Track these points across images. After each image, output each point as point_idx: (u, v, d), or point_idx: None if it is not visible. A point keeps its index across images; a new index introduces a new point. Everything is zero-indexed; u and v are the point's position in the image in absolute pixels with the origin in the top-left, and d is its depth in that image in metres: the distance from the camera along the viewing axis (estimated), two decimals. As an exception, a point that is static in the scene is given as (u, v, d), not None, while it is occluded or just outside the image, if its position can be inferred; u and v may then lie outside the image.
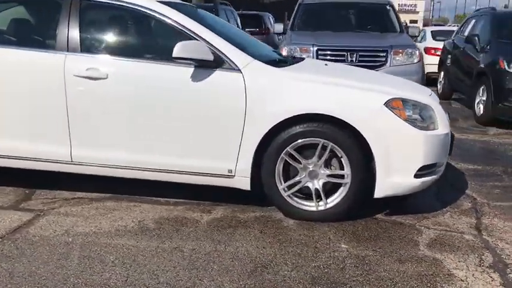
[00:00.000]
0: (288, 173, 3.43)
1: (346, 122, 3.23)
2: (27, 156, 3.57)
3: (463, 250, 3.10)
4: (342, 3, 8.27)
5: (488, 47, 7.63)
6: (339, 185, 3.40)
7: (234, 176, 3.42)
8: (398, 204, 3.69)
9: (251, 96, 3.27)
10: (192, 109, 3.35)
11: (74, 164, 3.55)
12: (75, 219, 3.35)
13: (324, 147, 3.31)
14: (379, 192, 3.34)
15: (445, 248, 3.13)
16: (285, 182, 3.41)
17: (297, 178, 3.41)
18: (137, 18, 3.62)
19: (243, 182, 3.43)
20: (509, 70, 6.79)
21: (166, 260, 2.82)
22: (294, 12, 8.11)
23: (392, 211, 3.65)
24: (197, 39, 3.31)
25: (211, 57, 3.26)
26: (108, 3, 3.53)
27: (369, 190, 3.36)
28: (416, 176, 3.34)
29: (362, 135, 3.23)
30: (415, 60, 6.70)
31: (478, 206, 3.90)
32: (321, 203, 3.41)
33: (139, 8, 3.47)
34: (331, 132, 3.27)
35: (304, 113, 3.24)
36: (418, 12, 68.74)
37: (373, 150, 3.24)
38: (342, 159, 3.33)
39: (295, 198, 3.43)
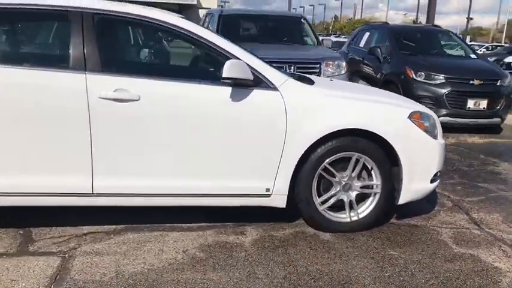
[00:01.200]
0: (319, 187, 3.50)
1: (378, 135, 3.41)
2: (40, 191, 3.11)
3: (483, 244, 3.50)
4: (260, 15, 8.48)
5: (390, 58, 8.47)
6: (367, 195, 3.57)
7: (271, 194, 3.40)
8: (397, 208, 3.92)
9: (290, 114, 3.28)
10: (231, 130, 3.24)
11: (95, 196, 3.19)
12: (113, 258, 3.01)
13: (356, 160, 3.46)
14: (403, 199, 3.59)
15: (469, 244, 3.50)
16: (318, 197, 3.47)
17: (332, 192, 3.50)
18: (165, 35, 3.37)
19: (278, 200, 3.42)
20: (416, 78, 7.64)
21: (252, 289, 2.72)
22: (215, 23, 8.09)
23: (399, 216, 3.92)
24: (235, 59, 3.21)
25: (251, 77, 3.20)
26: (126, 17, 3.23)
27: (393, 198, 3.58)
28: (431, 181, 3.66)
29: (392, 146, 3.44)
30: (343, 72, 7.17)
31: (457, 203, 4.38)
32: (353, 213, 3.54)
33: (169, 26, 3.24)
34: (364, 145, 3.44)
35: (341, 128, 3.34)
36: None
37: (401, 160, 3.48)
38: (372, 170, 3.50)
39: (330, 212, 3.52)
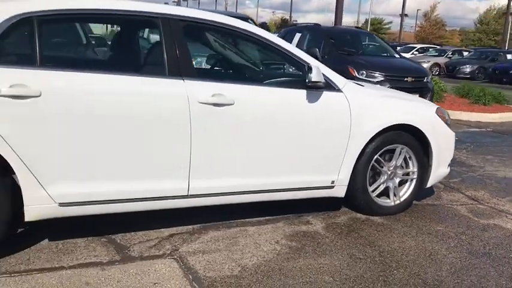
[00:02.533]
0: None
1: (417, 128, 3.98)
2: (139, 197, 3.15)
3: (494, 216, 4.25)
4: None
5: (329, 58, 9.19)
6: (404, 181, 4.13)
7: (334, 186, 3.79)
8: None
9: (353, 113, 3.70)
10: (307, 129, 3.56)
11: (190, 198, 3.31)
12: (222, 254, 3.18)
13: (399, 151, 3.99)
14: (430, 182, 4.22)
15: (485, 216, 4.24)
16: (370, 186, 3.95)
17: (381, 180, 4.00)
18: (251, 43, 3.56)
19: (340, 190, 3.82)
20: (359, 77, 8.45)
21: (402, 264, 3.10)
22: None
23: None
24: (307, 65, 3.52)
25: (323, 80, 3.56)
26: (214, 25, 3.39)
27: (423, 182, 4.19)
28: (448, 166, 4.33)
29: (427, 138, 4.03)
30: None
31: (447, 184, 5.14)
32: (395, 198, 4.07)
33: (251, 35, 3.45)
34: (406, 138, 3.98)
35: (393, 124, 3.85)
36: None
37: (432, 149, 4.08)
38: (410, 159, 4.07)
39: (378, 198, 4.01)
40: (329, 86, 3.62)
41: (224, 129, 3.28)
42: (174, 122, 3.12)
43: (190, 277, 2.87)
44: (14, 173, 2.82)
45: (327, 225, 3.77)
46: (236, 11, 78.37)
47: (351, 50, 9.22)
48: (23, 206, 2.87)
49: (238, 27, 3.43)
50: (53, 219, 3.00)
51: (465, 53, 28.82)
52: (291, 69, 3.73)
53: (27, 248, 3.09)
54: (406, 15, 45.84)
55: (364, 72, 8.43)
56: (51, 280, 2.73)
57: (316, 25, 10.32)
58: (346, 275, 3.00)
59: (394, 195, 4.07)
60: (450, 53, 28.92)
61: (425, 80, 8.82)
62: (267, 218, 3.85)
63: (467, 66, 23.85)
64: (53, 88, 2.79)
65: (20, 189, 2.83)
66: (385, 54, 9.88)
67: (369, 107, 3.79)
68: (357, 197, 3.92)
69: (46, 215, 2.95)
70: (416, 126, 3.95)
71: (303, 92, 3.52)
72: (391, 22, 79.82)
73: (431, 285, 2.93)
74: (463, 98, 11.57)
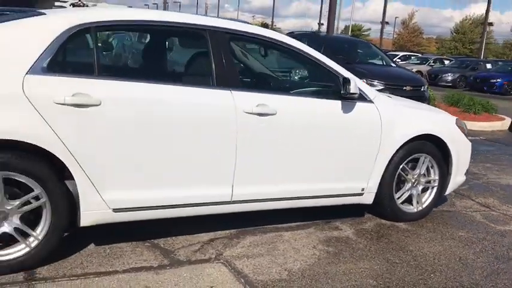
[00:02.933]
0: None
1: (440, 138, 4.17)
2: (186, 202, 3.24)
3: (507, 222, 4.47)
4: None
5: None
6: (426, 189, 4.31)
7: (364, 193, 3.95)
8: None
9: (384, 123, 3.86)
10: (342, 138, 3.72)
11: (233, 203, 3.42)
12: (267, 258, 3.29)
13: (423, 160, 4.18)
14: (449, 190, 4.41)
15: (499, 222, 4.45)
16: (395, 193, 4.12)
17: (406, 187, 4.17)
18: (289, 55, 3.69)
19: (368, 197, 3.98)
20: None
21: (428, 268, 3.26)
22: None
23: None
24: (343, 77, 3.68)
25: (358, 91, 3.72)
26: (257, 38, 3.51)
27: (443, 189, 4.38)
28: (464, 174, 4.54)
29: (448, 147, 4.22)
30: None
31: (455, 191, 5.34)
32: (418, 205, 4.25)
33: (291, 48, 3.60)
34: (429, 147, 4.16)
35: (419, 134, 4.03)
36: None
37: (452, 158, 4.28)
38: (431, 168, 4.25)
39: (402, 205, 4.18)
40: (361, 97, 3.77)
41: (267, 138, 3.40)
42: (222, 131, 3.22)
43: (243, 281, 2.97)
44: (69, 180, 2.89)
45: (356, 231, 3.92)
46: (218, 15, 78.46)
47: (350, 59, 9.42)
48: (78, 211, 2.93)
49: (277, 39, 3.57)
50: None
51: (446, 62, 29.52)
52: (323, 80, 3.86)
53: (76, 253, 3.15)
54: (387, 22, 46.60)
55: (364, 80, 8.61)
56: (111, 284, 2.81)
57: (315, 33, 10.51)
58: (388, 278, 3.15)
59: (417, 202, 4.24)
60: (432, 61, 29.58)
61: (422, 89, 9.09)
62: (297, 223, 3.97)
63: (449, 74, 24.44)
64: (111, 98, 2.87)
65: (73, 196, 2.90)
66: (382, 63, 10.12)
67: (397, 117, 3.96)
68: (383, 204, 4.08)
69: (100, 221, 3.03)
70: (440, 136, 4.14)
71: (338, 103, 3.67)
72: (369, 29, 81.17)
73: (468, 288, 3.10)
74: (453, 107, 11.91)
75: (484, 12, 40.28)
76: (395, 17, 79.69)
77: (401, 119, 3.99)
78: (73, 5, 27.51)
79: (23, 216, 2.82)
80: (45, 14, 3.01)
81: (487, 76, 22.85)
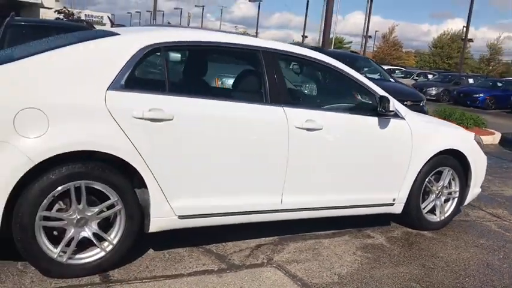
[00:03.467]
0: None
1: (461, 153, 4.49)
2: (241, 211, 3.48)
3: (522, 231, 4.81)
4: None
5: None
6: (447, 200, 4.63)
7: (394, 203, 4.23)
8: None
9: (414, 139, 4.16)
10: (379, 151, 4.00)
11: (281, 212, 3.66)
12: (314, 263, 3.53)
13: (446, 173, 4.50)
14: (467, 201, 4.74)
15: (513, 231, 4.78)
16: (421, 203, 4.42)
17: (431, 198, 4.48)
18: (331, 74, 3.97)
19: (398, 207, 4.27)
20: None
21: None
22: None
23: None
24: (380, 95, 3.97)
25: (395, 109, 4.01)
26: (303, 58, 3.79)
27: (461, 201, 4.71)
28: (480, 187, 4.88)
29: (468, 161, 4.55)
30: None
31: (467, 202, 5.68)
32: (440, 215, 4.56)
33: (330, 66, 3.88)
34: (452, 161, 4.48)
35: (444, 149, 4.34)
36: (105, 24, 69.81)
37: (471, 172, 4.61)
38: (453, 180, 4.57)
39: (427, 214, 4.48)
40: (395, 114, 4.07)
41: (313, 151, 3.66)
42: (277, 144, 3.48)
43: (299, 283, 3.21)
44: (139, 188, 3.10)
45: (387, 239, 4.20)
46: (201, 25, 78.63)
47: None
48: (147, 218, 3.14)
49: (319, 59, 3.85)
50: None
51: (429, 76, 30.32)
52: (361, 98, 4.15)
53: (139, 257, 3.35)
54: (370, 36, 47.55)
55: (367, 95, 8.97)
56: (182, 286, 3.02)
57: (317, 48, 10.83)
58: (428, 282, 3.43)
59: (440, 212, 4.55)
60: (416, 75, 30.34)
61: (421, 104, 9.48)
62: (332, 231, 4.23)
63: (433, 88, 25.13)
64: (182, 113, 3.10)
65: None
66: (381, 78, 10.50)
67: (426, 133, 4.27)
68: (411, 214, 4.37)
69: (167, 227, 3.24)
70: (461, 151, 4.46)
71: (375, 119, 3.95)
72: (351, 42, 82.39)
73: (500, 291, 3.40)
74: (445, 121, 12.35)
75: (462, 28, 41.53)
76: (376, 31, 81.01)
77: (429, 135, 4.30)
78: (58, 11, 27.50)
79: (99, 223, 3.01)
80: (119, 34, 3.23)
81: (469, 91, 23.58)
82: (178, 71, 3.48)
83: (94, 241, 2.99)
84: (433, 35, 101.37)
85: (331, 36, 66.17)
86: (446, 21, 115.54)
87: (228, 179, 3.36)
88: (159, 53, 3.18)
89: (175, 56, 3.33)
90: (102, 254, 3.02)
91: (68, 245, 2.91)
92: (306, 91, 4.04)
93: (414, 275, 3.51)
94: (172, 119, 3.07)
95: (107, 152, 2.89)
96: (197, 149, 3.19)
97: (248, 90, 3.54)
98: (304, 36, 53.29)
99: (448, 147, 4.37)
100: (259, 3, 59.73)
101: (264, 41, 3.67)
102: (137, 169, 3.00)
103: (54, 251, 2.88)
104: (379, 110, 3.92)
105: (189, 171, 3.20)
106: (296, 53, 3.77)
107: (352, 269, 3.51)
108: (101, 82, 2.94)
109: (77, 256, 2.97)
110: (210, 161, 3.26)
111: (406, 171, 4.16)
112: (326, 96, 4.07)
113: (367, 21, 40.53)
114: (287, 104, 3.57)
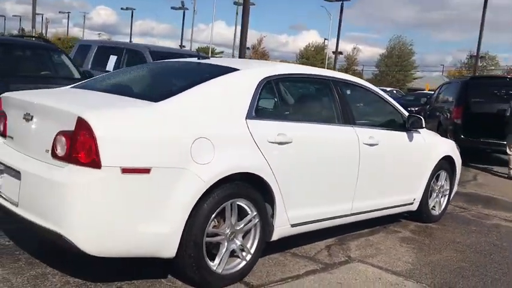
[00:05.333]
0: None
1: (452, 158, 5.59)
2: (331, 216, 4.10)
3: (491, 219, 6.04)
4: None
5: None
6: (443, 196, 5.69)
7: (413, 203, 5.16)
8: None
9: (428, 148, 5.15)
10: (408, 160, 4.90)
11: (350, 216, 4.35)
12: (385, 256, 4.27)
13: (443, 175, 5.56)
14: (452, 196, 5.86)
15: (484, 218, 6.00)
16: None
17: (434, 195, 5.49)
18: (372, 97, 4.74)
19: (415, 205, 5.20)
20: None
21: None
22: None
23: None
24: (408, 114, 4.88)
25: (422, 125, 4.94)
26: (355, 84, 4.56)
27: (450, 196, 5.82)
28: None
29: (455, 164, 5.67)
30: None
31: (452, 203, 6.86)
32: (439, 209, 5.61)
33: (371, 91, 4.70)
34: (446, 165, 5.55)
35: (444, 155, 5.39)
36: None
37: (456, 172, 5.74)
38: (445, 180, 5.65)
39: (431, 210, 5.49)
40: (415, 129, 5.00)
41: (373, 163, 4.41)
42: (352, 158, 4.17)
43: (390, 272, 3.91)
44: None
45: (410, 232, 5.09)
46: (67, 31, 74.42)
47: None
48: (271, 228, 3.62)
49: (364, 85, 4.66)
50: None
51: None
52: (391, 116, 4.95)
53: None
54: (248, 48, 49.57)
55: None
56: (313, 284, 3.54)
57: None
58: (470, 261, 4.35)
59: (438, 207, 5.58)
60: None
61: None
62: (366, 230, 4.97)
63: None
64: (297, 137, 3.65)
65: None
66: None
67: (433, 143, 5.29)
68: (422, 210, 5.32)
69: (283, 235, 3.74)
70: (452, 156, 5.55)
71: (405, 134, 4.84)
72: (222, 52, 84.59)
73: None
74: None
75: (323, 40, 45.39)
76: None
77: (435, 144, 5.31)
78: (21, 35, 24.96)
79: (243, 236, 3.42)
80: (239, 69, 3.66)
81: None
82: (287, 100, 3.99)
83: (239, 252, 3.38)
84: (290, 46, 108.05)
85: (200, 45, 66.80)
86: (301, 33, 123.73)
87: (324, 189, 3.96)
88: (272, 85, 3.69)
89: (284, 86, 3.85)
90: (243, 263, 3.42)
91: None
92: (360, 112, 4.77)
93: (456, 258, 4.42)
94: (291, 142, 3.59)
95: (254, 172, 3.33)
96: (306, 166, 3.75)
97: (330, 114, 4.18)
98: (182, 46, 53.72)
99: (446, 154, 5.42)
100: (132, 12, 58.87)
101: (329, 72, 4.34)
102: (271, 186, 3.47)
103: (213, 264, 3.23)
104: (407, 127, 4.79)
105: (300, 184, 3.74)
106: (349, 80, 4.50)
107: (413, 258, 4.30)
108: (240, 113, 3.38)
109: (226, 267, 3.34)
110: (314, 175, 3.83)
111: (423, 174, 5.10)
112: (372, 116, 4.84)
113: (241, 32, 42.41)
114: (355, 124, 4.27)
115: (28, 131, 3.17)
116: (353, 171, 4.18)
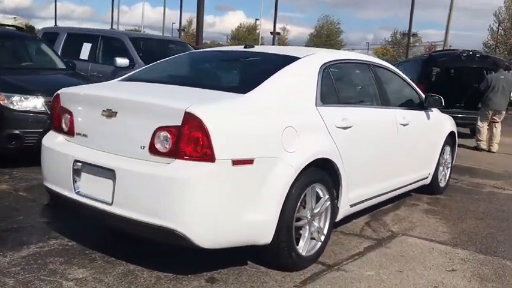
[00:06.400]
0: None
1: (454, 133, 6.00)
2: (373, 195, 4.32)
3: (487, 187, 6.56)
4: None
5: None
6: (446, 169, 6.12)
7: (428, 177, 5.52)
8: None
9: (440, 124, 5.53)
10: (427, 136, 5.23)
11: (390, 192, 4.62)
12: (418, 227, 4.56)
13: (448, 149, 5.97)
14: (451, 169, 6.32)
15: (476, 186, 6.50)
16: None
17: (441, 169, 5.87)
18: (395, 78, 4.96)
19: (429, 179, 5.56)
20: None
21: None
22: None
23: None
24: (426, 94, 5.19)
25: (434, 106, 5.27)
26: (383, 67, 4.77)
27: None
28: (453, 157, 6.51)
29: (456, 139, 6.10)
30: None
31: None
32: (444, 181, 6.02)
33: (395, 72, 4.96)
34: (451, 140, 5.95)
35: (451, 131, 5.79)
36: None
37: (456, 146, 6.17)
38: (449, 154, 6.07)
39: (440, 182, 5.89)
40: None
41: (407, 141, 4.69)
42: (393, 138, 4.42)
43: (437, 242, 4.18)
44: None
45: (427, 204, 5.45)
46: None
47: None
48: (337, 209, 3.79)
49: (390, 68, 4.91)
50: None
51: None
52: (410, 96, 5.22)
53: (314, 245, 3.92)
54: (183, 29, 48.78)
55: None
56: (379, 258, 3.74)
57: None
58: (494, 226, 4.75)
59: (444, 179, 5.99)
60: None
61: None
62: (389, 206, 5.26)
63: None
64: (357, 121, 3.82)
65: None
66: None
67: (442, 119, 5.66)
68: (433, 183, 5.69)
69: (344, 215, 3.91)
70: (454, 131, 5.96)
71: (423, 112, 5.15)
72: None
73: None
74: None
75: (254, 20, 45.51)
76: (172, 23, 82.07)
77: (443, 121, 5.69)
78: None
79: (319, 218, 3.56)
80: (299, 57, 3.74)
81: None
82: (341, 85, 4.11)
83: (316, 235, 3.52)
84: (217, 27, 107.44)
85: (126, 27, 64.83)
86: (228, 13, 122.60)
87: (375, 169, 4.17)
88: (328, 71, 3.81)
89: (337, 72, 3.97)
90: (319, 244, 3.56)
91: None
92: (390, 94, 4.98)
93: (481, 225, 4.80)
94: (352, 126, 3.75)
95: (329, 158, 3.46)
96: (363, 148, 3.94)
97: (374, 97, 4.37)
98: (112, 28, 51.80)
99: (451, 130, 5.81)
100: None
101: (367, 56, 4.52)
102: (339, 169, 3.62)
103: (298, 247, 3.35)
104: (426, 105, 5.10)
105: (358, 166, 3.92)
106: (380, 64, 4.72)
107: (446, 228, 4.63)
108: (311, 100, 3.49)
109: (308, 249, 3.47)
110: (367, 156, 4.03)
111: (435, 150, 5.46)
112: (399, 97, 5.08)
113: (180, 16, 41.41)
114: (390, 105, 4.50)
115: (111, 128, 3.09)
116: (394, 150, 4.43)
